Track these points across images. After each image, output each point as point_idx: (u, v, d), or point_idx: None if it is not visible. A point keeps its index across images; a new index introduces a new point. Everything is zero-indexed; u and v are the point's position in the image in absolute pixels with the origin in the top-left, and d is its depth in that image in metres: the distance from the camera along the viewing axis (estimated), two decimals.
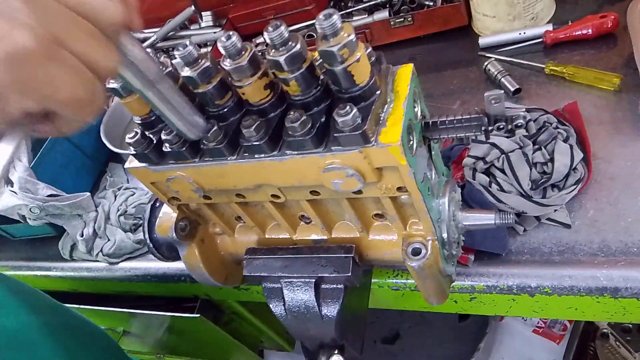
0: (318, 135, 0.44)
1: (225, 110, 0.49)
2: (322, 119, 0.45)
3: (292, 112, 0.43)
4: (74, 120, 0.37)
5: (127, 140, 0.51)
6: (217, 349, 1.28)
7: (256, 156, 0.47)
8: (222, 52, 0.44)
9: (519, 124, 0.76)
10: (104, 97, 0.38)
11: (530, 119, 0.78)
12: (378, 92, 0.44)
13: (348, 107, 0.41)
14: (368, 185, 0.48)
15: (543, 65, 0.92)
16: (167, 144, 0.50)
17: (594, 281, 0.67)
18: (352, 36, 0.40)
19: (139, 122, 0.54)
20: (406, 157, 0.44)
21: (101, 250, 1.06)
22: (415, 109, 0.48)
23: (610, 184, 0.74)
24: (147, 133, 0.53)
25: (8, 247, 1.19)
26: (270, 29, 0.41)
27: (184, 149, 0.50)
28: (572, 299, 0.69)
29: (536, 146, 0.75)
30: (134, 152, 0.52)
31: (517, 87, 0.91)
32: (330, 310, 0.60)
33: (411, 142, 0.45)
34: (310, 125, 0.43)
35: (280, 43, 0.41)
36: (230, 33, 0.43)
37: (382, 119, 0.45)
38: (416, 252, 0.54)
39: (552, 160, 0.72)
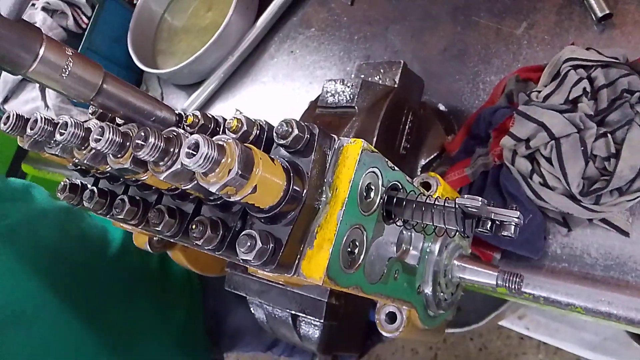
0: (231, 247, 0.35)
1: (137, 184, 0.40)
2: (237, 225, 0.35)
3: (194, 225, 0.34)
4: None
5: (57, 194, 0.46)
6: None
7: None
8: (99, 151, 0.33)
9: (586, 91, 0.57)
10: None
11: (604, 83, 0.57)
12: (302, 200, 0.32)
13: (249, 241, 0.31)
14: None
15: None
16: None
17: (638, 314, 0.54)
18: (235, 169, 0.28)
19: (72, 169, 0.47)
20: (340, 283, 0.34)
21: None
22: (369, 198, 0.35)
23: None
24: (80, 181, 0.46)
25: None
26: (139, 143, 0.29)
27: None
28: (609, 322, 0.58)
29: (602, 130, 0.56)
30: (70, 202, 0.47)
31: (607, 11, 0.65)
32: (311, 336, 0.57)
33: (353, 256, 0.35)
34: (218, 239, 0.34)
35: (156, 159, 0.30)
36: (102, 127, 0.32)
37: (311, 231, 0.34)
38: (392, 318, 0.47)
39: (617, 155, 0.54)
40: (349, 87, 0.62)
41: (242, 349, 1.11)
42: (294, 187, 0.32)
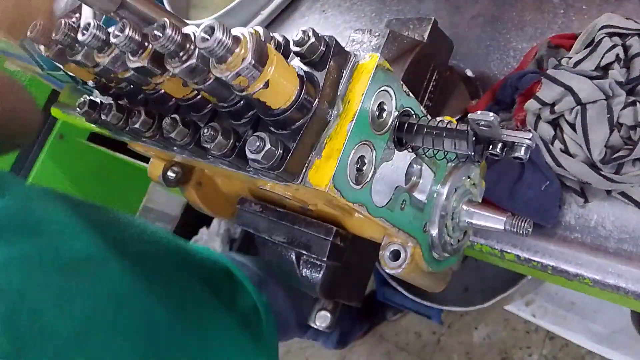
0: (240, 155, 0.35)
1: (154, 96, 0.40)
2: (248, 134, 0.35)
3: (206, 129, 0.35)
4: None
5: (77, 111, 0.47)
6: None
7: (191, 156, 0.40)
8: (118, 47, 0.34)
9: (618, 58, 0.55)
10: None
11: (639, 51, 0.55)
12: (313, 109, 0.33)
13: (259, 142, 0.31)
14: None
15: None
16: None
17: None
18: (248, 59, 0.28)
19: (93, 86, 0.48)
20: (345, 195, 0.34)
21: None
22: (382, 118, 0.35)
23: None
24: (99, 99, 0.47)
25: None
26: (157, 34, 0.30)
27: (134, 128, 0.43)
28: (616, 297, 0.57)
29: (631, 98, 0.55)
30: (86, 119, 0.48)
31: None
32: (312, 278, 0.58)
33: (361, 172, 0.35)
34: (229, 146, 0.35)
35: (172, 52, 0.31)
36: (123, 24, 0.33)
37: (320, 141, 0.34)
38: (396, 256, 0.47)
39: None
40: (375, 36, 0.62)
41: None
42: (306, 95, 0.32)
